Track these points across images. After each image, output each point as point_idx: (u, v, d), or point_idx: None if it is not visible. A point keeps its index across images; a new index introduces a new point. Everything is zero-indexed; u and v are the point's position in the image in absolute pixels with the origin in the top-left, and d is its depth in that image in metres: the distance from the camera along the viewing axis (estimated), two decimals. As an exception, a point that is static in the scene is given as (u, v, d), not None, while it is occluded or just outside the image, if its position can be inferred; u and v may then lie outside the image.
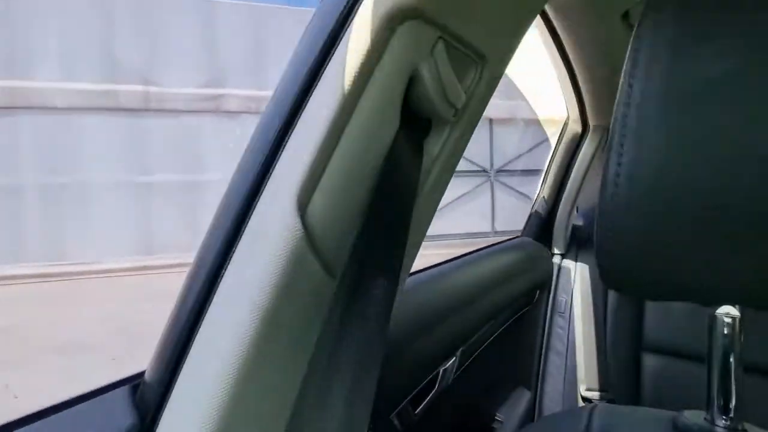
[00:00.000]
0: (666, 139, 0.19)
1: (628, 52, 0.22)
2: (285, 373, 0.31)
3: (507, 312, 0.96)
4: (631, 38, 0.22)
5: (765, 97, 0.18)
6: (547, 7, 0.57)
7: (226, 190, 0.33)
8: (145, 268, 5.65)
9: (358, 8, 0.32)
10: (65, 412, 0.30)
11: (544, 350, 1.15)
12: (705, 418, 0.31)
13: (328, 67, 0.31)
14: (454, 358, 0.76)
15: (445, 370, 0.73)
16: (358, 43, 0.31)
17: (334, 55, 0.32)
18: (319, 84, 0.31)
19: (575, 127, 1.11)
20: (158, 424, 0.29)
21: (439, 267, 0.84)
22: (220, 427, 0.28)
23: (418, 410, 0.68)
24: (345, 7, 0.32)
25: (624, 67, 0.22)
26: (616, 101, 0.22)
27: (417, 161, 0.37)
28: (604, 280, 0.23)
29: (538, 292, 1.11)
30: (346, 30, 0.32)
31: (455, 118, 0.40)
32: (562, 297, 1.17)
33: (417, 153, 0.37)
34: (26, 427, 0.28)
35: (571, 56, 0.80)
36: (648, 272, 0.21)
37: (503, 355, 1.01)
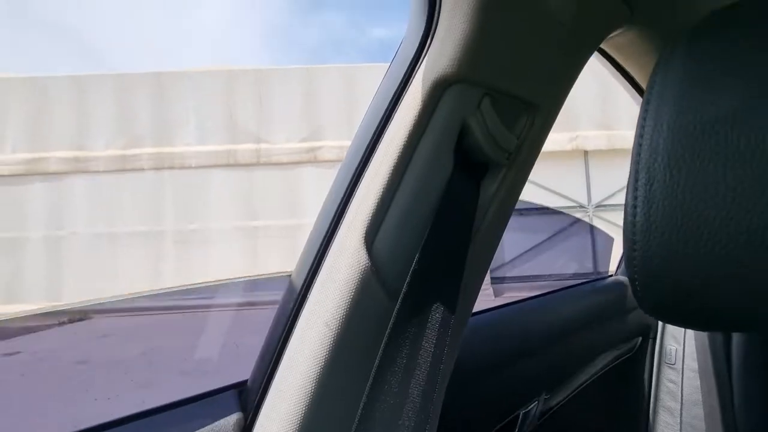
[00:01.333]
0: (673, 179, 0.21)
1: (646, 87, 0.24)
2: (354, 384, 0.35)
3: (601, 358, 0.88)
4: (647, 83, 0.24)
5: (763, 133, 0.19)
6: (604, 46, 0.57)
7: (310, 232, 0.40)
8: (251, 303, 6.28)
9: (414, 76, 0.39)
10: (184, 407, 0.39)
11: (652, 406, 1.01)
12: None
13: (390, 125, 0.38)
14: (536, 402, 0.72)
15: (525, 414, 0.70)
16: (414, 103, 0.38)
17: (395, 115, 0.38)
18: (382, 139, 0.38)
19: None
20: (257, 421, 0.36)
21: (518, 304, 0.82)
22: (302, 426, 0.33)
23: (495, 453, 0.66)
24: (404, 74, 0.39)
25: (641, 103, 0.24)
26: (635, 134, 0.24)
27: (473, 197, 0.41)
28: (638, 301, 0.23)
29: (640, 338, 1.00)
30: (405, 93, 0.39)
31: (508, 161, 0.43)
32: (671, 345, 1.03)
33: (473, 190, 0.41)
34: (152, 417, 0.37)
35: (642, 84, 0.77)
36: (678, 298, 0.22)
37: (600, 406, 0.92)
